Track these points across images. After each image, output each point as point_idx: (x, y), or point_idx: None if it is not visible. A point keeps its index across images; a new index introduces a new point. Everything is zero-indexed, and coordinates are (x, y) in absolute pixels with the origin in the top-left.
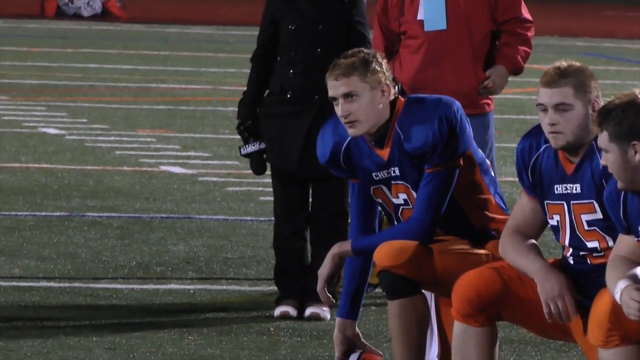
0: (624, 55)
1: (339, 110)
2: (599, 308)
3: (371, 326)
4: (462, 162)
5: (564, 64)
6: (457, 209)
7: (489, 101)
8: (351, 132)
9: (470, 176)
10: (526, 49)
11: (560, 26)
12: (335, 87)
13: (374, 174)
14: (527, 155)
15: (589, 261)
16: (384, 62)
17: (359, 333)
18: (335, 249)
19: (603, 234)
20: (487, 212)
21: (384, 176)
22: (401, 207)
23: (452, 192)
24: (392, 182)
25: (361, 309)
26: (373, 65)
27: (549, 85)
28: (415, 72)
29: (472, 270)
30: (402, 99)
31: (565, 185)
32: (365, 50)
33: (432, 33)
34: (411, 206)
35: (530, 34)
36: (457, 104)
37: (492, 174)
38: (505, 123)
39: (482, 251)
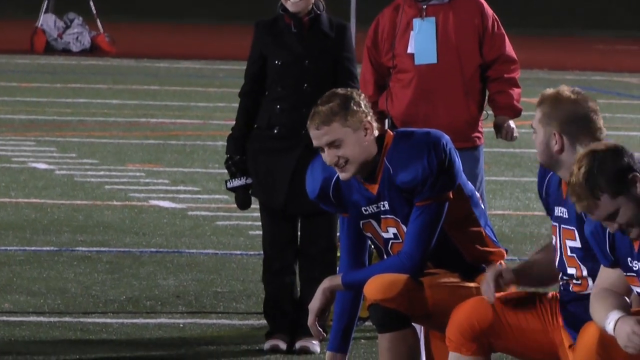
0: (614, 89)
1: (326, 158)
2: (586, 341)
3: (361, 359)
4: (452, 196)
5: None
6: (448, 242)
7: (479, 135)
8: (342, 176)
9: (461, 209)
10: (517, 89)
11: (550, 59)
12: (318, 137)
13: (363, 209)
14: (541, 177)
15: (570, 287)
16: (362, 100)
17: None
18: (325, 283)
19: (579, 262)
20: (477, 245)
21: (373, 210)
22: (391, 241)
23: (442, 225)
24: (382, 216)
25: (351, 343)
26: (352, 107)
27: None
28: (406, 106)
29: (467, 300)
30: (392, 133)
31: (560, 208)
32: (341, 92)
33: (423, 67)
34: (401, 240)
35: (516, 75)
36: (446, 137)
37: (482, 206)
38: (494, 156)
39: (472, 284)
